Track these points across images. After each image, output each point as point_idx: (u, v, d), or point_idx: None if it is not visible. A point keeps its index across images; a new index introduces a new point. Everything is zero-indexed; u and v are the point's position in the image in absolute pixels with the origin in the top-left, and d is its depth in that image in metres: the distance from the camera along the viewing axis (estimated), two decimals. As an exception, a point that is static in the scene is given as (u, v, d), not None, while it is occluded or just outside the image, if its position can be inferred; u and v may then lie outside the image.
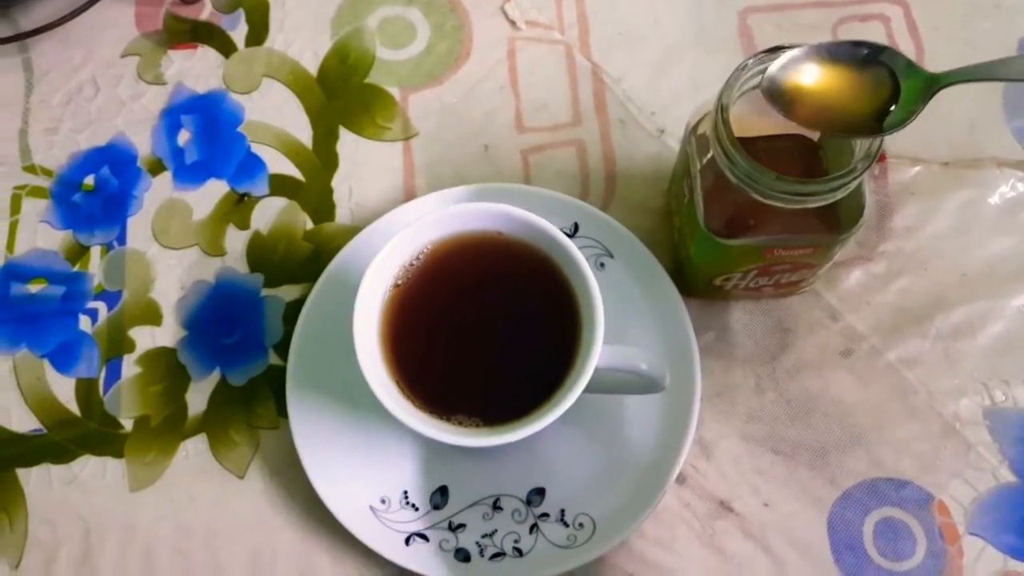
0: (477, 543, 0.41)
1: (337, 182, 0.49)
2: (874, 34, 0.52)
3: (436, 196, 0.46)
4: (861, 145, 0.36)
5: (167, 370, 0.46)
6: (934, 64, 0.50)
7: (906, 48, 0.51)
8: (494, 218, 0.38)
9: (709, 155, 0.40)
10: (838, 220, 0.39)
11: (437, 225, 0.38)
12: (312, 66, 0.52)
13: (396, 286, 0.38)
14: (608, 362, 0.36)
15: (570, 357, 0.36)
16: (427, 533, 0.41)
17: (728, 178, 0.37)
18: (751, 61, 0.36)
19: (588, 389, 0.35)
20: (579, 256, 0.37)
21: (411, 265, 0.39)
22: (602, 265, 0.44)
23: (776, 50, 0.36)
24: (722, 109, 0.36)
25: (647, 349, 0.42)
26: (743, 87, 0.37)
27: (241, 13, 0.53)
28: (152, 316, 0.47)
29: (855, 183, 0.36)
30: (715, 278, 0.43)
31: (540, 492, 0.42)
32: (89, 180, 0.50)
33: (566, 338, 0.37)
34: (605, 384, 0.38)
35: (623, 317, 0.43)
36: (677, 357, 0.42)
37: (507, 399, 0.36)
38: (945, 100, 0.49)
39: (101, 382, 0.46)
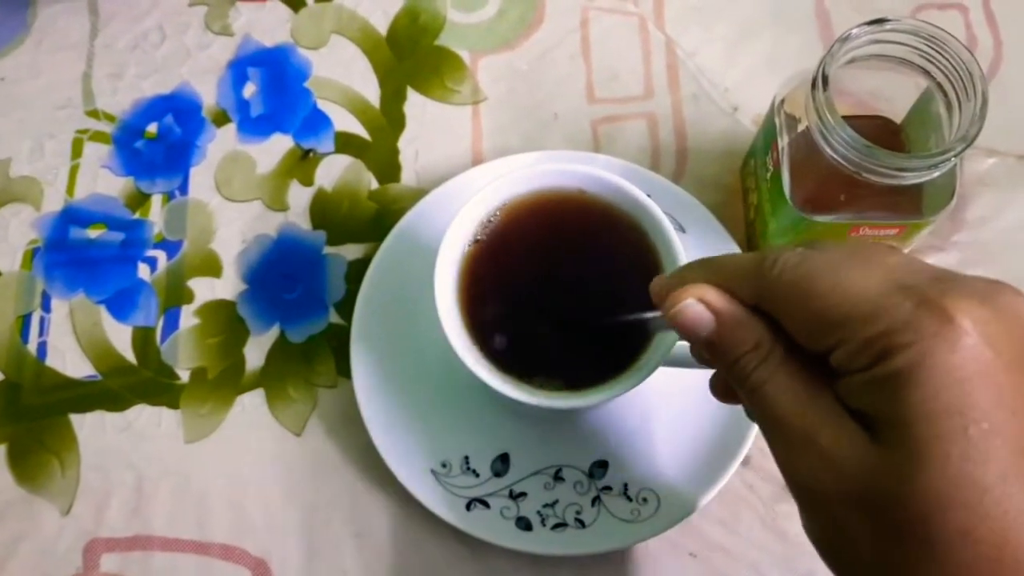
0: (538, 512, 0.41)
1: (404, 143, 0.49)
2: (951, 24, 0.51)
3: (504, 161, 0.46)
4: (957, 127, 0.35)
5: (226, 323, 0.46)
6: (1010, 60, 0.50)
7: (984, 40, 0.50)
8: (577, 178, 0.38)
9: (799, 130, 0.39)
10: (921, 203, 0.38)
11: (520, 182, 0.38)
12: (382, 25, 0.51)
13: (476, 242, 0.38)
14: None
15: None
16: (488, 500, 0.41)
17: (821, 152, 0.36)
18: (855, 31, 0.36)
19: (667, 359, 0.34)
20: (663, 218, 0.36)
21: (490, 222, 0.38)
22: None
23: (880, 22, 0.36)
24: (824, 79, 0.35)
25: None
26: (843, 59, 0.36)
27: (311, -32, 0.53)
28: (212, 268, 0.47)
29: (954, 162, 0.35)
30: (791, 257, 0.42)
31: (603, 465, 0.42)
32: (152, 128, 0.49)
33: (647, 301, 0.36)
34: (683, 357, 0.37)
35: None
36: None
37: (589, 362, 0.36)
38: (1022, 94, 0.49)
39: (158, 331, 0.46)
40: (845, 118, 0.35)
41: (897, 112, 0.40)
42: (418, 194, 0.46)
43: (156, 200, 0.48)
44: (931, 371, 0.22)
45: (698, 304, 0.28)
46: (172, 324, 0.46)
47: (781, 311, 0.26)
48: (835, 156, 0.36)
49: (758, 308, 0.27)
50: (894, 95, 0.39)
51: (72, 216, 0.48)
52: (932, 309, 0.23)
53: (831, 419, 0.25)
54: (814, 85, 0.35)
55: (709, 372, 0.39)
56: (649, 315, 0.33)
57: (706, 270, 0.29)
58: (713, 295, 0.28)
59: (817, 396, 0.25)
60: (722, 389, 0.32)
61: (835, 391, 0.25)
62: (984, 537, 0.22)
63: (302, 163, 0.48)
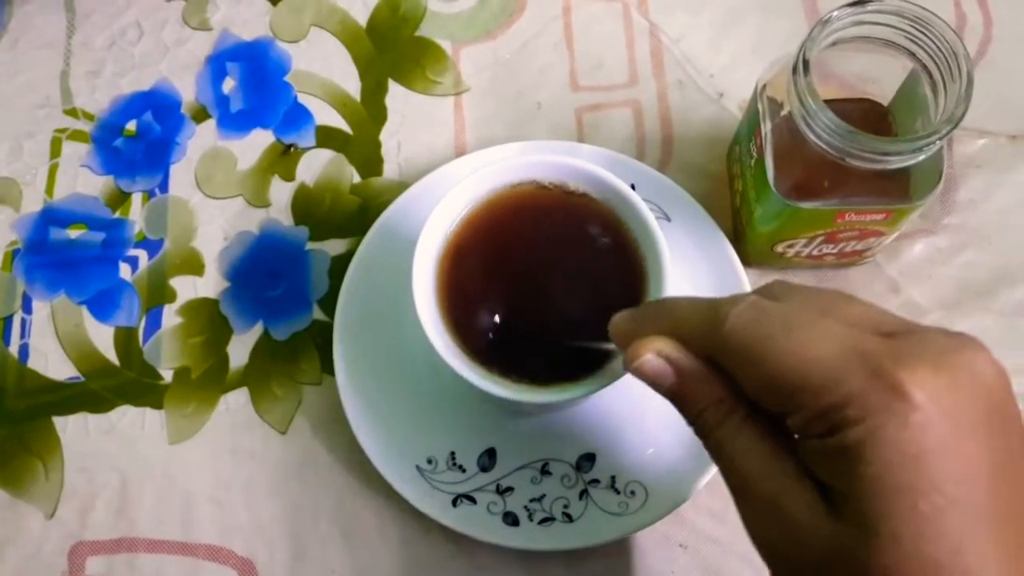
0: (526, 507, 0.40)
1: (386, 136, 0.48)
2: (940, 3, 0.50)
3: (488, 152, 0.45)
4: (943, 108, 0.35)
5: (208, 321, 0.45)
6: (1000, 39, 0.49)
7: (973, 19, 0.50)
8: (557, 169, 0.37)
9: (781, 115, 0.38)
10: (909, 186, 0.38)
11: (499, 175, 0.37)
12: (362, 16, 0.50)
13: (454, 237, 0.37)
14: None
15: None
16: (475, 495, 0.40)
17: (804, 137, 0.36)
18: (836, 14, 0.35)
19: None
20: (646, 211, 0.36)
21: (470, 216, 0.37)
22: (659, 228, 0.43)
23: (862, 3, 0.35)
24: (805, 64, 0.34)
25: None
26: (824, 42, 0.36)
27: (289, -40, 0.52)
28: (194, 266, 0.46)
29: (939, 144, 0.34)
30: (777, 244, 0.41)
31: (590, 458, 0.41)
32: (131, 125, 0.49)
33: (630, 295, 0.35)
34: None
35: (680, 283, 0.42)
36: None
37: (571, 355, 0.35)
38: (1013, 73, 0.48)
39: (141, 331, 0.45)
40: (831, 101, 0.35)
41: (885, 94, 0.39)
42: (401, 187, 0.45)
43: (136, 199, 0.48)
44: (881, 448, 0.22)
45: (657, 359, 0.27)
46: (154, 324, 0.45)
47: (734, 370, 0.26)
48: (818, 142, 0.35)
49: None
50: (881, 77, 0.39)
51: (52, 216, 0.47)
52: (884, 382, 0.22)
53: (794, 486, 0.24)
54: (795, 70, 0.35)
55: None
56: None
57: (662, 317, 0.29)
58: (671, 349, 0.27)
59: (780, 459, 0.25)
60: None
61: (796, 454, 0.25)
62: None
63: (283, 158, 0.48)
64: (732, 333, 0.25)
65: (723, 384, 0.26)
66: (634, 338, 0.28)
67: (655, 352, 0.27)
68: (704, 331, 0.27)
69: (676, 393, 0.28)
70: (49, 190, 0.48)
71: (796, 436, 0.25)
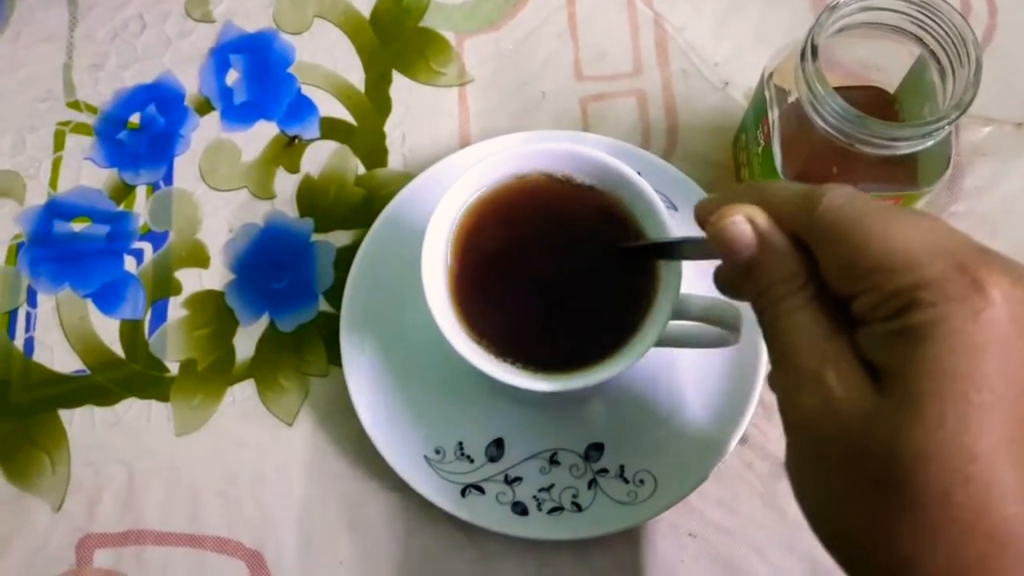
0: (534, 497, 0.40)
1: (390, 127, 0.48)
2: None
3: (492, 143, 0.45)
4: (951, 94, 0.35)
5: (214, 313, 0.45)
6: (1005, 25, 0.49)
7: (978, 6, 0.49)
8: (563, 158, 0.37)
9: (788, 102, 0.38)
10: (916, 173, 0.38)
11: (504, 164, 0.37)
12: (365, 8, 0.50)
13: (462, 225, 0.37)
14: (684, 309, 0.35)
15: (645, 302, 0.35)
16: (483, 485, 0.40)
17: (812, 124, 0.36)
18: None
19: (660, 340, 0.34)
20: (655, 198, 0.35)
21: (479, 204, 0.37)
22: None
23: (868, -12, 0.35)
24: (813, 50, 0.34)
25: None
26: (831, 28, 0.35)
27: (292, -49, 0.52)
28: (199, 258, 0.46)
29: (948, 130, 0.34)
30: (785, 232, 0.41)
31: (599, 447, 0.41)
32: (135, 118, 0.49)
33: (640, 283, 0.35)
34: (678, 335, 0.36)
35: (688, 271, 0.42)
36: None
37: (582, 342, 0.35)
38: (1018, 60, 0.48)
39: (146, 324, 0.45)
40: (836, 89, 0.34)
41: (891, 82, 0.39)
42: (405, 178, 0.45)
43: (141, 191, 0.47)
44: (947, 332, 0.22)
45: (745, 223, 0.27)
46: (160, 316, 0.45)
47: (819, 246, 0.26)
48: (826, 128, 0.35)
49: (797, 241, 0.27)
50: (887, 64, 0.39)
51: (56, 210, 0.47)
52: (965, 274, 0.23)
53: (842, 361, 0.25)
54: (803, 56, 0.35)
55: (704, 350, 0.38)
56: (677, 239, 0.33)
57: (753, 191, 0.28)
58: (762, 218, 0.27)
59: (834, 338, 0.25)
60: (727, 283, 0.31)
61: (852, 340, 0.25)
62: (962, 503, 0.22)
63: (288, 150, 0.48)
64: (828, 211, 0.25)
65: (801, 260, 0.26)
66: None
67: (745, 216, 0.27)
68: (797, 207, 0.26)
69: (752, 264, 0.27)
70: (53, 183, 0.48)
71: (859, 323, 0.25)
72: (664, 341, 0.34)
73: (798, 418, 0.25)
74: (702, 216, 0.30)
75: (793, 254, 0.27)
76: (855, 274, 0.25)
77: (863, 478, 0.23)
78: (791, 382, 0.26)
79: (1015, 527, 0.22)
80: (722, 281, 0.30)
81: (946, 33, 0.34)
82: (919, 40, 0.36)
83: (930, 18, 0.35)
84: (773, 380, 0.27)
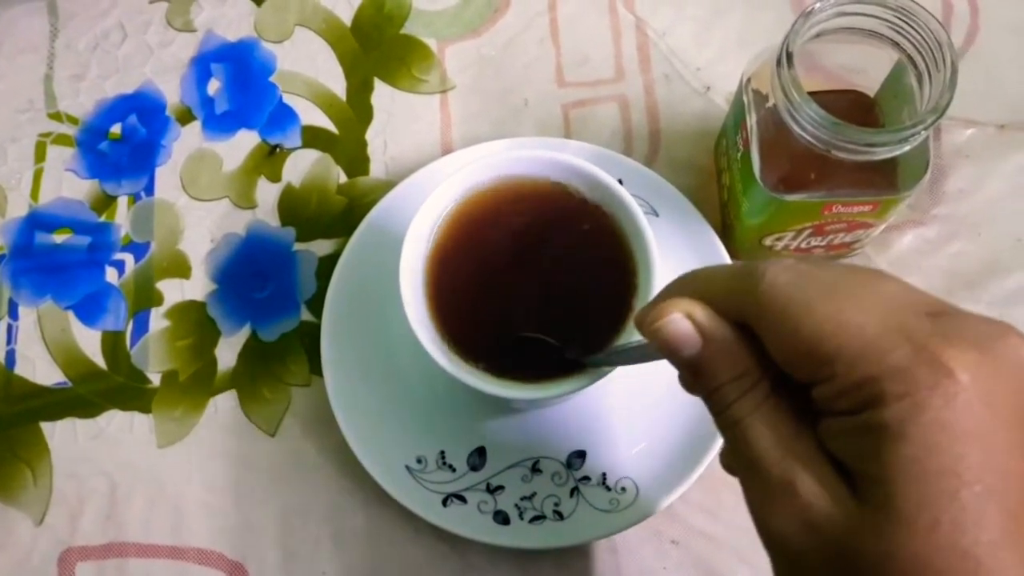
0: (516, 505, 0.40)
1: (372, 135, 0.48)
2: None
3: (474, 150, 0.45)
4: (928, 98, 0.35)
5: (196, 324, 0.45)
6: (987, 28, 0.49)
7: (960, 8, 0.49)
8: (542, 164, 0.37)
9: (766, 107, 0.38)
10: (896, 177, 0.38)
11: (483, 171, 0.37)
12: (346, 15, 0.50)
13: (441, 234, 0.37)
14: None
15: (624, 311, 0.35)
16: (465, 494, 0.40)
17: (789, 130, 0.36)
18: (818, 5, 0.35)
19: (635, 356, 0.33)
20: (634, 205, 0.35)
21: (457, 212, 0.37)
22: (647, 224, 0.43)
23: (844, -6, 0.35)
24: (788, 56, 0.34)
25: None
26: (807, 34, 0.35)
27: (273, -40, 0.52)
28: (181, 269, 0.46)
29: (925, 134, 0.34)
30: (766, 237, 0.41)
31: (581, 455, 0.41)
32: (116, 128, 0.49)
33: (618, 290, 0.35)
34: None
35: (669, 277, 0.41)
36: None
37: (561, 351, 0.35)
38: (1000, 62, 0.48)
39: (128, 335, 0.45)
40: (817, 93, 0.34)
41: (872, 85, 0.39)
42: (388, 186, 0.45)
43: (122, 202, 0.47)
44: (923, 427, 0.21)
45: (683, 319, 0.25)
46: (142, 327, 0.45)
47: (766, 332, 0.24)
48: (803, 134, 0.35)
49: (743, 328, 0.25)
50: (868, 68, 0.38)
51: (37, 221, 0.47)
52: (930, 359, 0.21)
53: (812, 467, 0.23)
54: (779, 63, 0.34)
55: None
56: (627, 344, 0.32)
57: (689, 281, 0.27)
58: (702, 313, 0.25)
59: (798, 439, 0.23)
60: (681, 383, 0.29)
61: (815, 432, 0.23)
62: None
63: (269, 159, 0.48)
64: (771, 290, 0.23)
65: (750, 354, 0.24)
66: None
67: (683, 313, 0.25)
68: (738, 290, 0.24)
69: (697, 363, 0.25)
70: (34, 195, 0.48)
71: (819, 411, 0.23)
72: (637, 357, 0.33)
73: (775, 531, 0.23)
74: (639, 320, 0.27)
75: (741, 347, 0.25)
76: (810, 362, 0.23)
77: None
78: (759, 495, 0.24)
79: None
80: (679, 381, 0.28)
81: (922, 38, 0.34)
82: (896, 45, 0.36)
83: (906, 23, 0.35)
84: (744, 490, 0.25)
